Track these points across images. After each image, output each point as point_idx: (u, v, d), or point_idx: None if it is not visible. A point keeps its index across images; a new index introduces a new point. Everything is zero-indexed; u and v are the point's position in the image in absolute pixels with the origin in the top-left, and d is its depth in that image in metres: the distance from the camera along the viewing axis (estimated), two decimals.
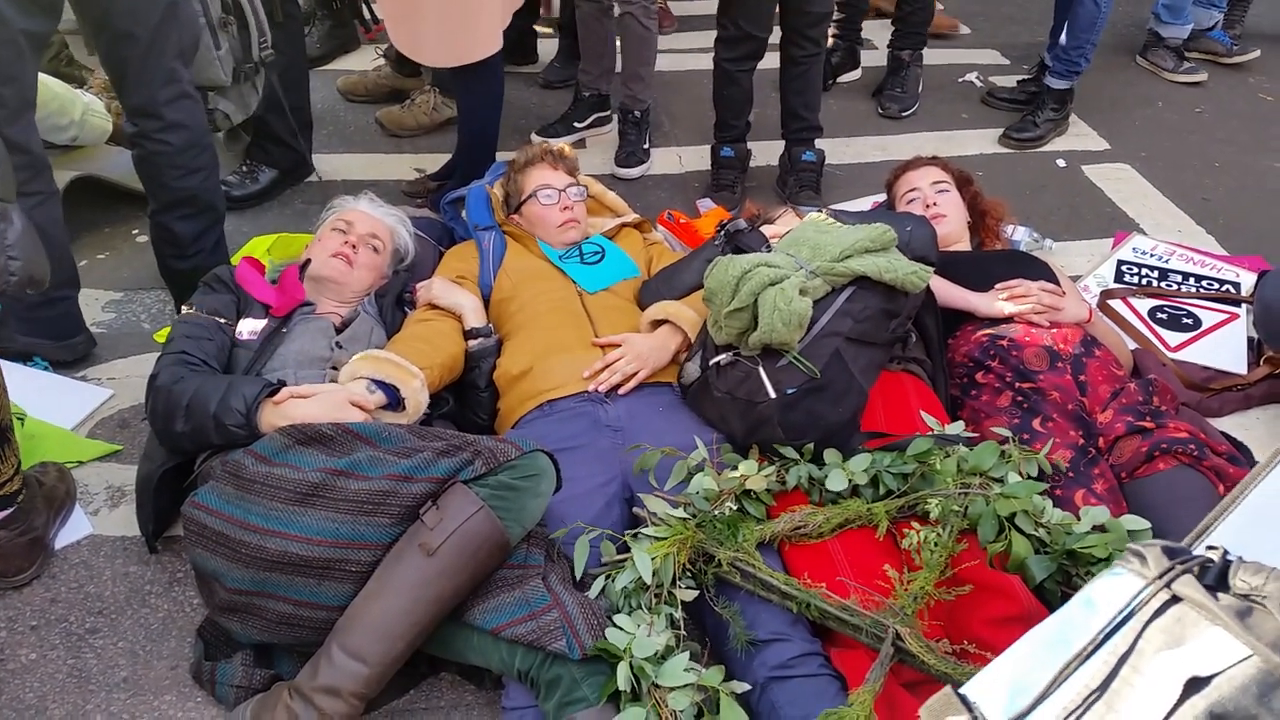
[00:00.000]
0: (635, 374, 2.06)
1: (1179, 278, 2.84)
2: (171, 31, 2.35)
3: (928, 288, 2.07)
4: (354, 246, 2.27)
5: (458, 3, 2.67)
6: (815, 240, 2.04)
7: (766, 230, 2.35)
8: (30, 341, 2.42)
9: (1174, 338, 2.59)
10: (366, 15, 3.95)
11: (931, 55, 4.06)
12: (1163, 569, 0.99)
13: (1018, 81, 4.01)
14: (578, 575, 1.70)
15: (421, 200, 3.11)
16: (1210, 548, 1.01)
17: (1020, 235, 2.91)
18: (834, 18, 3.85)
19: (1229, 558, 0.99)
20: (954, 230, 2.52)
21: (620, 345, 2.11)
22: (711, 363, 1.97)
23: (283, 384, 1.88)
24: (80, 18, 2.32)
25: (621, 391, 2.04)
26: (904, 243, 2.09)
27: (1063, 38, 3.55)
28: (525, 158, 2.54)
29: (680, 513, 1.71)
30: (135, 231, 2.97)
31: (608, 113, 3.65)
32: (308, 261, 2.27)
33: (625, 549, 1.71)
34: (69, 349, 2.45)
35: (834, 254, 1.98)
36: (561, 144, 2.63)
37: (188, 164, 2.46)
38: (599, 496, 1.85)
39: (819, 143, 3.29)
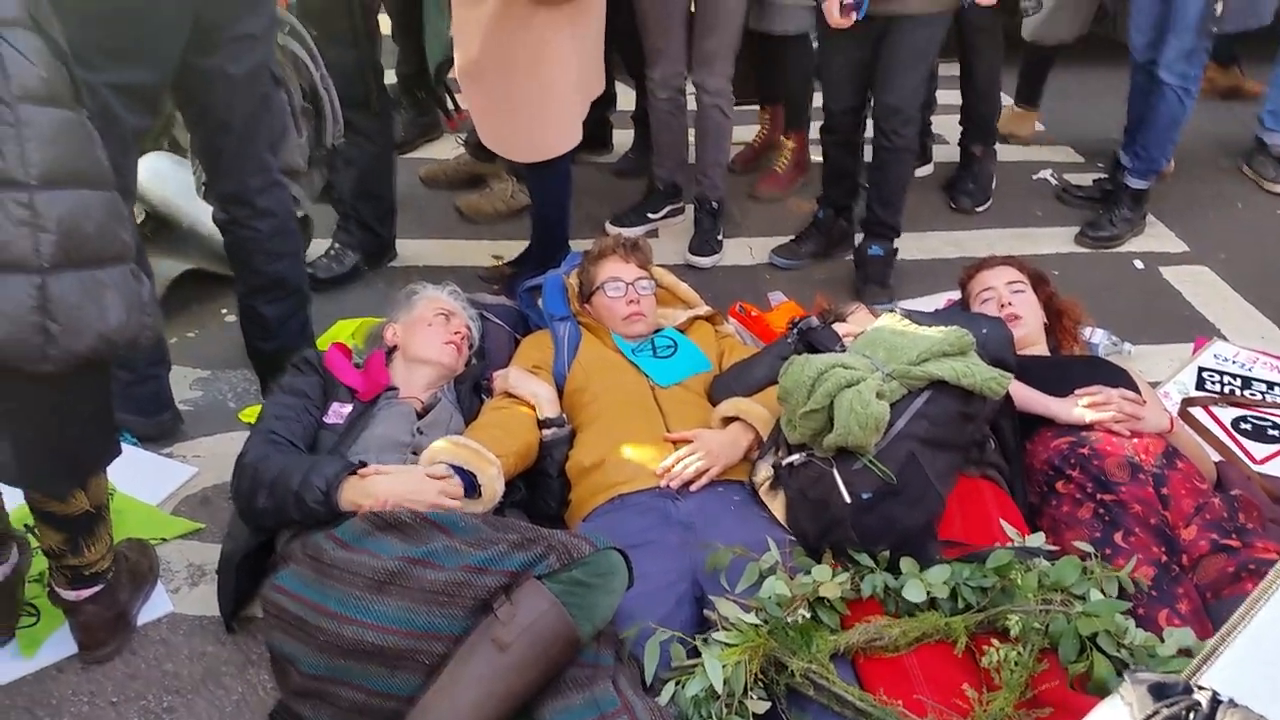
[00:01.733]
0: (707, 470, 2.06)
1: (1263, 386, 2.77)
2: (264, 122, 2.47)
3: (1005, 392, 2.06)
4: (462, 336, 2.37)
5: (540, 100, 2.77)
6: (891, 342, 2.05)
7: (839, 328, 2.37)
8: (121, 417, 2.49)
9: (1259, 449, 2.52)
10: (449, 105, 4.09)
11: (1004, 151, 4.08)
12: (1147, 712, 0.95)
13: (1093, 179, 4.01)
14: (647, 679, 1.69)
15: (498, 286, 3.19)
16: (1200, 688, 0.97)
17: (1098, 338, 2.88)
18: None
19: (1219, 698, 0.95)
20: (1030, 332, 2.50)
21: (692, 440, 2.12)
22: (784, 462, 1.97)
23: (363, 464, 1.93)
24: (181, 109, 2.45)
25: (693, 488, 2.05)
26: (980, 345, 2.08)
27: (1141, 137, 3.54)
28: (598, 249, 2.60)
29: (752, 618, 1.70)
30: (224, 311, 3.08)
31: (680, 204, 3.72)
32: (393, 348, 2.34)
33: (696, 653, 1.69)
34: (157, 425, 2.53)
35: (911, 357, 1.98)
36: (634, 235, 2.69)
37: (276, 249, 2.56)
38: (669, 594, 1.85)
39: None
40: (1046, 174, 4.19)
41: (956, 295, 2.83)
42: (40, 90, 1.52)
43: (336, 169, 3.23)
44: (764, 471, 2.03)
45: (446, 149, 4.21)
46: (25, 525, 2.07)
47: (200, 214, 2.94)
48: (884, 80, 3.05)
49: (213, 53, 2.24)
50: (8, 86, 1.47)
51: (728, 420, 2.19)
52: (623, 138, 4.24)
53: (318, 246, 3.32)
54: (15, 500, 1.95)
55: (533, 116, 2.80)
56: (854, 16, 2.92)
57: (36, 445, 1.72)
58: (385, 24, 3.64)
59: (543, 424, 2.25)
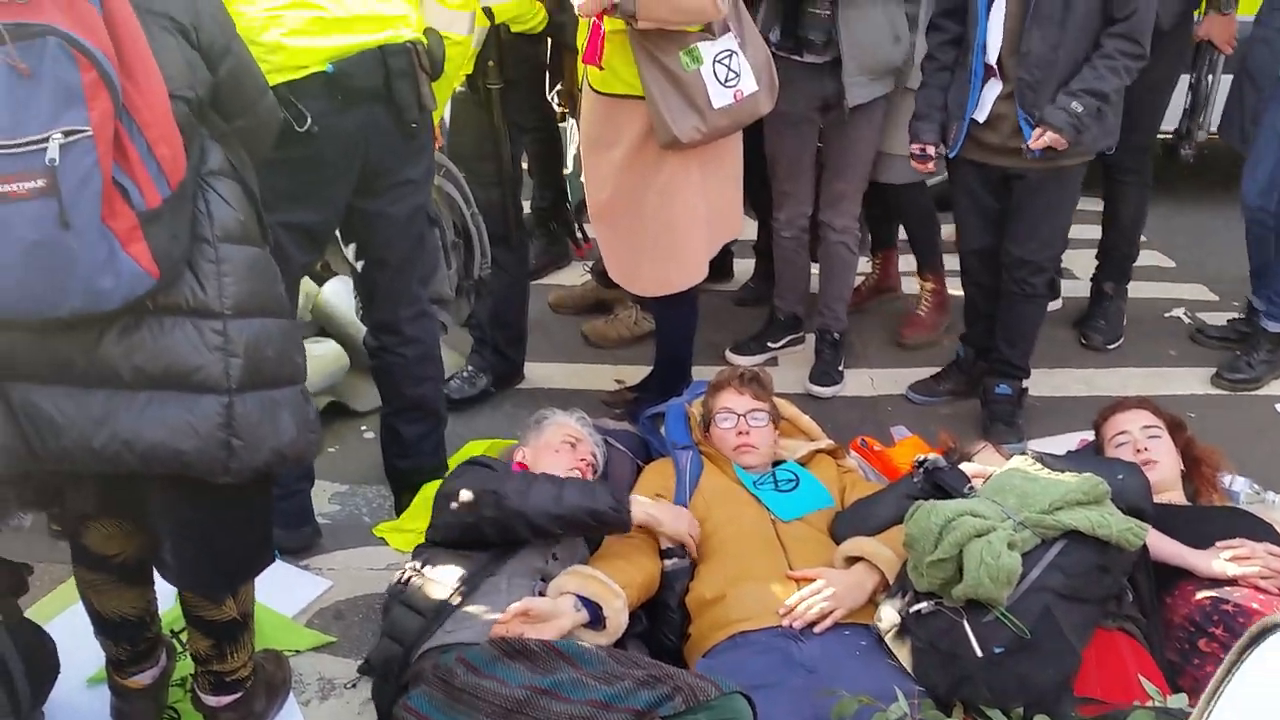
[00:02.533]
0: (831, 612, 2.05)
1: None
2: (418, 259, 2.66)
3: (1143, 543, 2.00)
4: (587, 463, 2.45)
5: (667, 239, 2.87)
6: (1022, 488, 2.02)
7: (967, 469, 2.35)
8: None
9: None
10: (579, 234, 4.28)
11: (1136, 287, 4.01)
12: None
13: (1228, 319, 3.90)
14: None
15: (620, 411, 3.27)
16: None
17: (1239, 486, 2.75)
18: None
19: None
20: (1166, 478, 2.43)
21: (816, 580, 2.11)
22: (911, 610, 1.94)
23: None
24: (344, 245, 2.64)
25: (817, 630, 2.03)
26: (1115, 492, 2.04)
27: (1268, 282, 3.46)
28: (716, 379, 2.67)
29: None
30: (364, 428, 3.24)
31: (801, 333, 3.77)
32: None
33: None
34: (298, 537, 2.65)
35: (1043, 505, 1.95)
36: (754, 365, 2.73)
37: (419, 374, 2.72)
38: None
39: None
40: (1179, 312, 4.10)
41: (1089, 436, 2.76)
42: (237, 231, 1.69)
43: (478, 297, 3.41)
44: (890, 617, 2.00)
45: (574, 276, 4.38)
46: (171, 630, 2.19)
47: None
48: (1013, 230, 3.04)
49: (376, 196, 2.43)
50: (211, 228, 1.64)
51: (851, 560, 2.17)
52: (744, 266, 4.34)
53: (450, 364, 3.48)
54: (165, 605, 2.07)
55: (659, 255, 2.91)
56: (930, 166, 3.04)
57: (202, 550, 1.84)
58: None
59: (664, 554, 2.27)
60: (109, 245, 1.46)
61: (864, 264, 4.06)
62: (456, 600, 2.03)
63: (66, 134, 1.40)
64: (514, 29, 3.06)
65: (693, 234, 2.90)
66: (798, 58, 3.11)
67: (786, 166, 3.33)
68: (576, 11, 2.59)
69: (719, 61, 2.68)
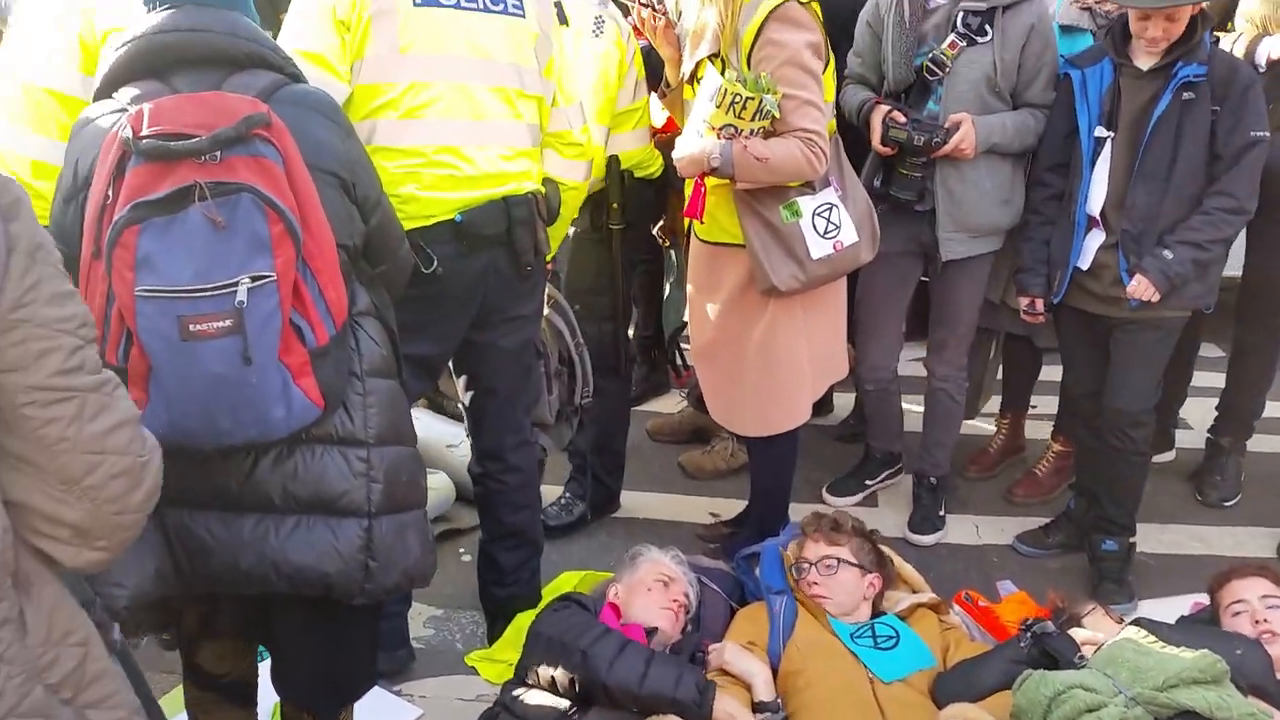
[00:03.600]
0: None
1: None
2: (525, 390, 2.76)
3: None
4: (679, 604, 2.45)
5: (768, 381, 2.89)
6: (1135, 662, 1.95)
7: (1077, 634, 2.27)
8: None
9: None
10: (678, 362, 4.34)
11: (1257, 440, 3.84)
12: None
13: None
14: None
15: (715, 546, 3.25)
16: None
17: None
18: None
19: None
20: None
21: None
22: None
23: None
24: (455, 376, 2.75)
25: None
26: (1234, 670, 1.95)
27: None
28: (804, 524, 2.66)
29: None
30: (461, 550, 3.30)
31: (899, 467, 3.71)
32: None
33: None
34: (393, 660, 2.68)
35: (1157, 682, 1.87)
36: (849, 506, 2.71)
37: (518, 501, 2.78)
38: None
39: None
40: None
41: (1203, 599, 2.63)
42: (381, 366, 1.82)
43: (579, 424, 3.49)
44: None
45: (673, 403, 4.43)
46: None
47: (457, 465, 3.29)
48: (1110, 381, 2.99)
49: (489, 330, 2.55)
50: (360, 363, 1.78)
51: None
52: (844, 400, 4.32)
53: (548, 492, 3.53)
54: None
55: (760, 397, 2.92)
56: (1040, 318, 3.03)
57: (319, 669, 1.92)
58: None
59: (757, 707, 2.23)
60: (283, 379, 1.60)
61: (988, 423, 3.99)
62: None
63: (254, 279, 1.55)
64: (636, 174, 3.20)
65: (795, 378, 2.91)
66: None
67: (874, 307, 3.30)
68: (679, 173, 2.72)
69: (818, 214, 2.73)
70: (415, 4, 2.26)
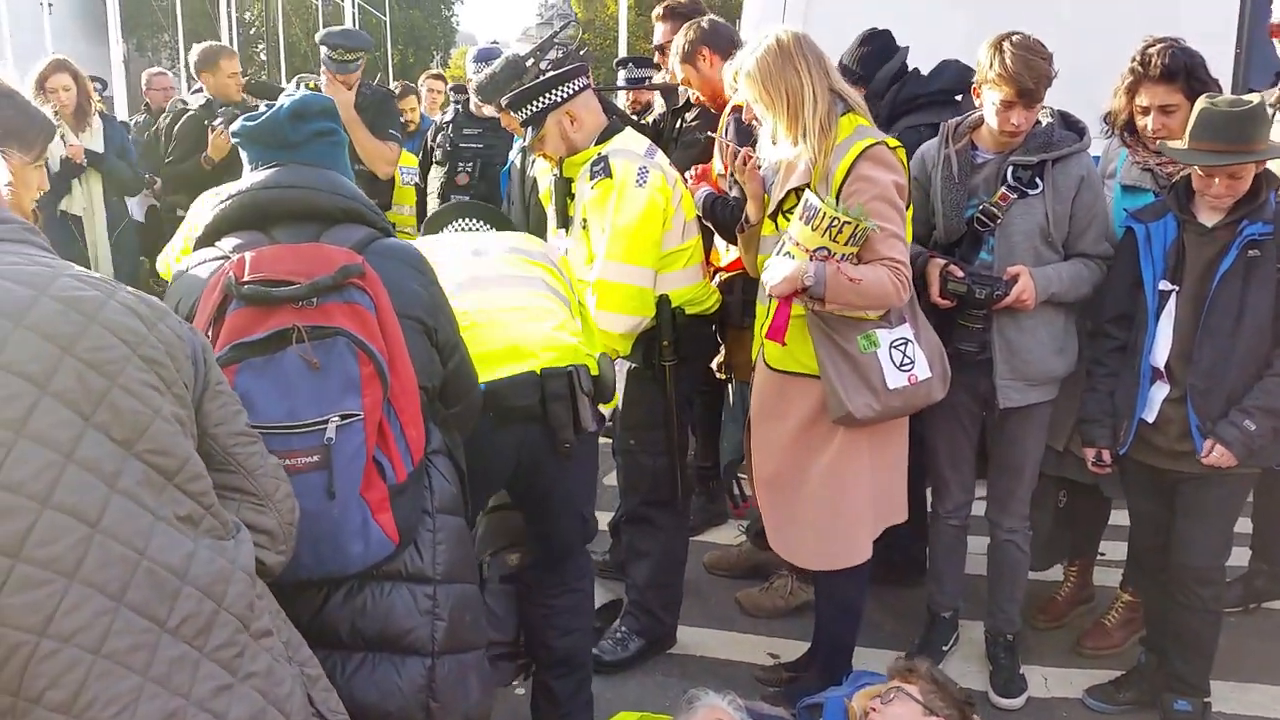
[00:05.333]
0: None
1: None
2: (581, 536, 2.83)
3: None
4: None
5: (830, 514, 2.89)
6: None
7: None
8: None
9: None
10: (736, 492, 4.33)
11: None
12: None
13: None
14: None
15: (775, 691, 3.18)
16: None
17: None
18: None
19: None
20: None
21: None
22: None
23: None
24: (519, 509, 2.80)
25: None
26: None
27: None
28: (891, 668, 2.60)
29: None
30: (515, 683, 3.25)
31: (957, 625, 3.60)
32: None
33: None
34: None
35: None
36: (940, 671, 2.66)
37: (567, 625, 2.79)
38: None
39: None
40: None
41: None
42: (450, 503, 1.88)
43: (631, 554, 3.48)
44: None
45: (731, 535, 4.41)
46: None
47: None
48: (1177, 536, 2.93)
49: (532, 501, 2.67)
50: (432, 500, 1.82)
51: None
52: None
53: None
54: None
55: (823, 528, 2.92)
56: (1108, 470, 3.01)
57: None
58: None
59: None
60: (363, 514, 1.66)
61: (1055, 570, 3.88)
62: None
63: (343, 417, 1.63)
64: (689, 311, 3.27)
65: (858, 512, 2.91)
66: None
67: (945, 455, 3.29)
68: (769, 291, 2.75)
69: (895, 347, 2.78)
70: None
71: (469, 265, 2.57)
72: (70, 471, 1.25)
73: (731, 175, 3.08)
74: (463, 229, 2.95)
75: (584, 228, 3.15)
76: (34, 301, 1.28)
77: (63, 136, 5.14)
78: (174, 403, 1.37)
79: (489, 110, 4.70)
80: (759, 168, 2.94)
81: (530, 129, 3.19)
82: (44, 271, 1.34)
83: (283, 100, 1.94)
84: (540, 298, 2.57)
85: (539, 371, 2.41)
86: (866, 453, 2.87)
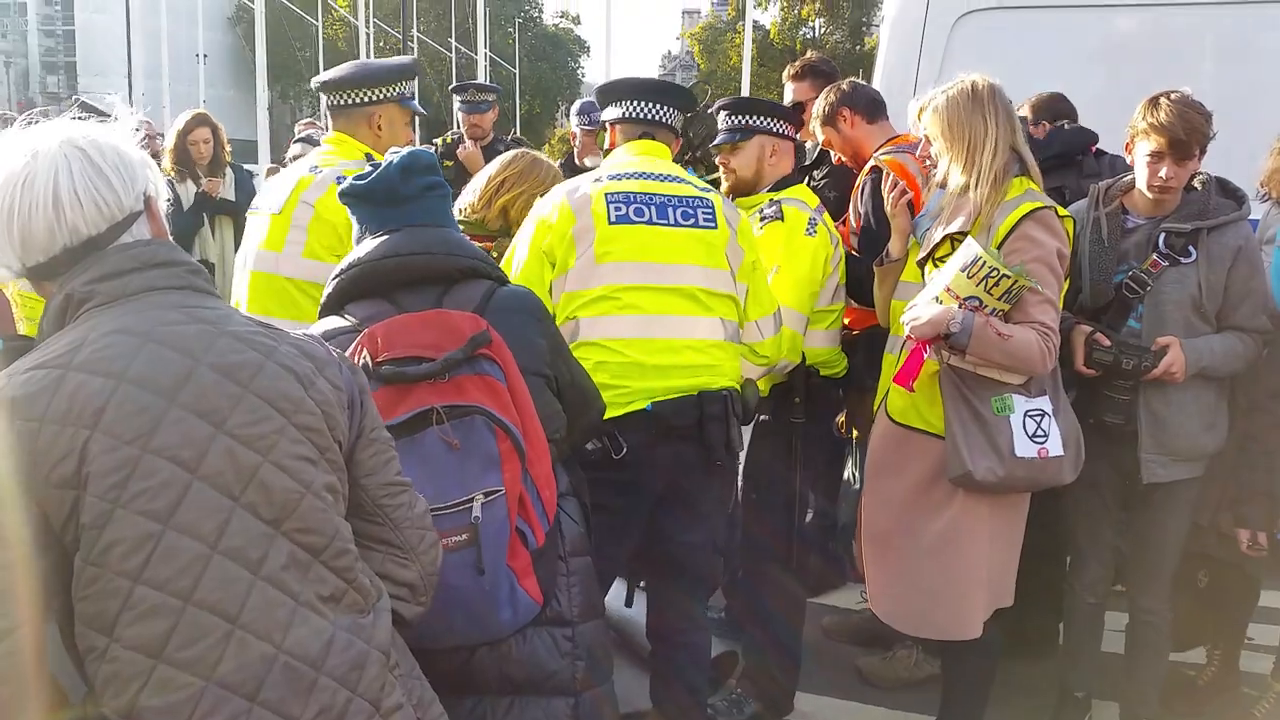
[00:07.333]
0: None
1: None
2: (711, 570, 2.87)
3: None
4: None
5: (941, 582, 2.77)
6: None
7: None
8: None
9: None
10: (855, 553, 4.22)
11: None
12: None
13: None
14: None
15: None
16: None
17: None
18: None
19: None
20: None
21: None
22: None
23: None
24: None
25: None
26: None
27: None
28: None
29: None
30: None
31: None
32: None
33: None
34: None
35: None
36: None
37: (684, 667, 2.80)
38: None
39: None
40: None
41: None
42: (579, 545, 1.92)
43: (748, 613, 3.43)
44: None
45: (851, 598, 4.30)
46: None
47: None
48: None
49: (673, 521, 2.66)
50: (563, 544, 1.86)
51: None
52: None
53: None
54: None
55: (930, 594, 2.81)
56: (1263, 553, 2.86)
57: None
58: None
59: None
60: (510, 583, 1.70)
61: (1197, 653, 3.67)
62: None
63: (487, 494, 1.68)
64: (822, 373, 3.25)
65: (970, 582, 2.78)
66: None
67: (1085, 529, 3.14)
68: (910, 331, 2.66)
69: (1030, 416, 2.66)
70: (610, 222, 2.53)
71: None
72: (215, 564, 1.24)
73: (863, 231, 3.05)
74: None
75: None
76: (190, 374, 1.27)
77: (196, 180, 5.60)
78: (327, 470, 1.36)
79: (590, 160, 4.88)
80: (909, 203, 2.92)
81: (728, 136, 3.25)
82: (205, 332, 1.32)
83: (389, 158, 1.97)
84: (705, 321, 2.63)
85: (697, 393, 2.52)
86: (986, 523, 2.75)
